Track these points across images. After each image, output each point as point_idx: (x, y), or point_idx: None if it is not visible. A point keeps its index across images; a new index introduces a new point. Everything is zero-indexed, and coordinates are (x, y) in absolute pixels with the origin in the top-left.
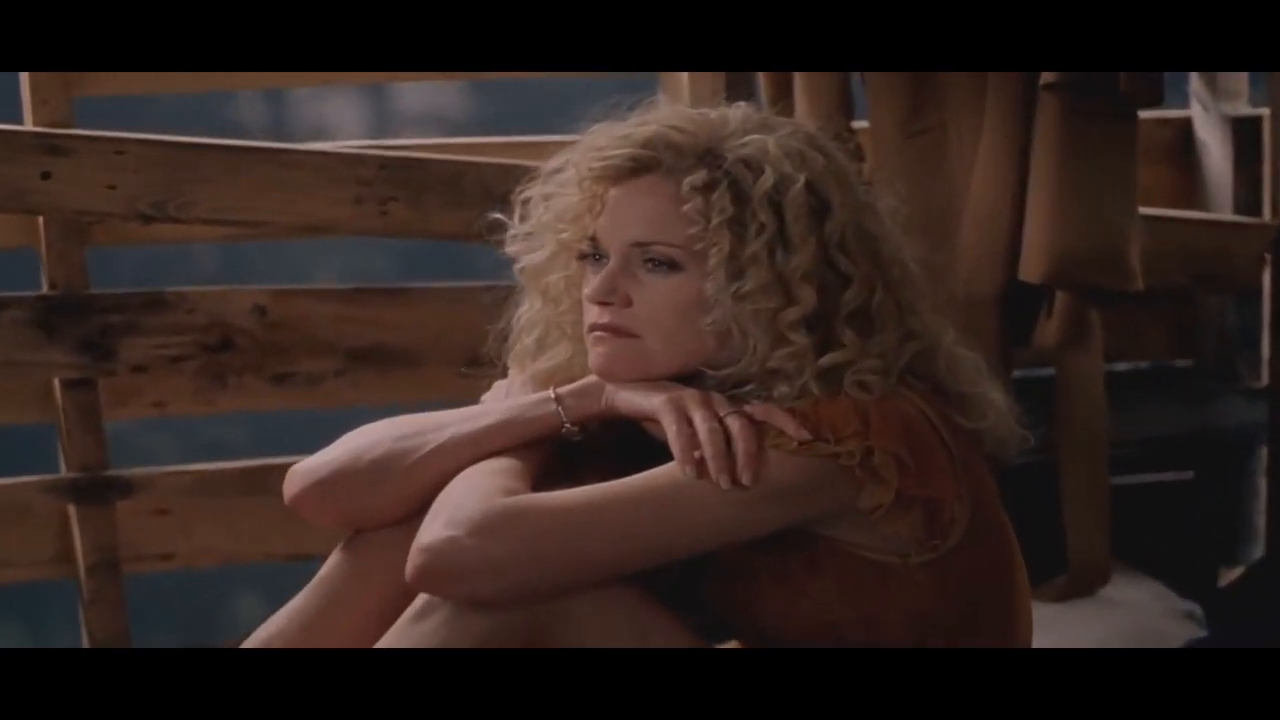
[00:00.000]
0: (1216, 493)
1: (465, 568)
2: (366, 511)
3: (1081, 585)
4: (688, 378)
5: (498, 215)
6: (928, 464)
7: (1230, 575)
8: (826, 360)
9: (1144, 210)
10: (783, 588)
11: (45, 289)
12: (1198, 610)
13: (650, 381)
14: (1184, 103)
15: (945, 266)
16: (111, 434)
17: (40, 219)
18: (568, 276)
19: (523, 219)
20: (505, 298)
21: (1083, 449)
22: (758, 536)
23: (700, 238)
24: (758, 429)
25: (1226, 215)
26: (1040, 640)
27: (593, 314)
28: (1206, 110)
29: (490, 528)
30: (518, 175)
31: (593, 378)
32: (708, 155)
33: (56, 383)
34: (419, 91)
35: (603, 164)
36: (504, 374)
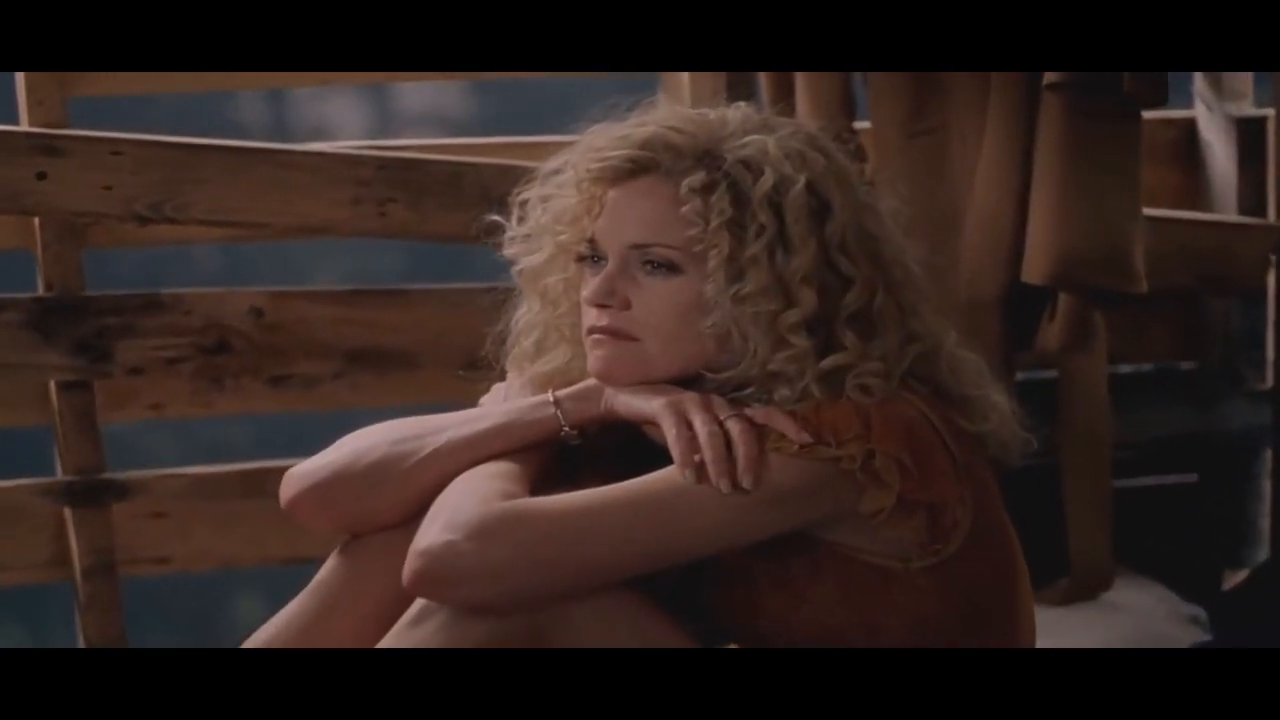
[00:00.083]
0: (1221, 496)
1: (463, 572)
2: (364, 515)
3: (1084, 589)
4: (687, 381)
5: (495, 217)
6: (930, 467)
7: (1235, 579)
8: (827, 363)
9: (1148, 211)
10: (783, 592)
11: (41, 291)
12: (1202, 614)
13: (650, 385)
14: (1188, 103)
15: (947, 268)
16: (111, 435)
17: (36, 220)
18: (566, 279)
19: (521, 221)
20: (504, 300)
21: (1085, 451)
22: (758, 541)
23: (699, 239)
24: (758, 432)
25: (1231, 216)
26: (1042, 644)
27: (591, 317)
28: (1211, 110)
29: (488, 532)
30: (517, 176)
31: (592, 381)
32: (707, 156)
33: (52, 385)
34: (420, 91)
35: (601, 165)
36: (502, 377)
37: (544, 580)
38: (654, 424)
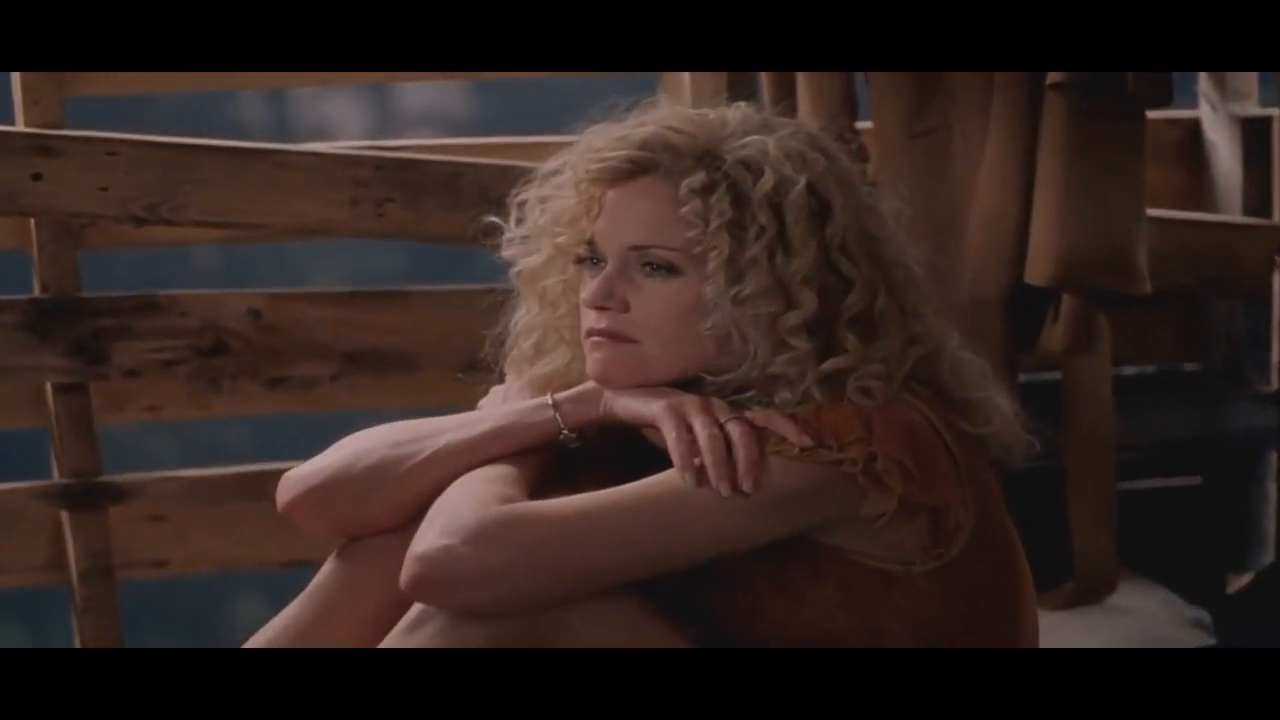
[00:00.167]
0: (1225, 498)
1: (461, 577)
2: (361, 519)
3: (1088, 592)
4: (687, 383)
5: (493, 218)
6: (932, 471)
7: (1239, 582)
8: (828, 365)
9: (1151, 212)
10: (784, 596)
11: (37, 292)
12: (1206, 617)
13: (649, 387)
14: (1192, 103)
15: (950, 269)
16: (110, 437)
17: (32, 221)
18: (565, 280)
19: (519, 222)
20: (502, 302)
21: (1089, 454)
22: (759, 545)
23: (699, 241)
24: (759, 435)
25: (1235, 217)
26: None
27: (590, 319)
28: (1215, 110)
29: (486, 536)
30: (516, 177)
31: (591, 383)
32: (706, 157)
33: (48, 387)
34: (421, 91)
35: (599, 166)
36: (501, 379)
37: (542, 584)
38: (653, 427)
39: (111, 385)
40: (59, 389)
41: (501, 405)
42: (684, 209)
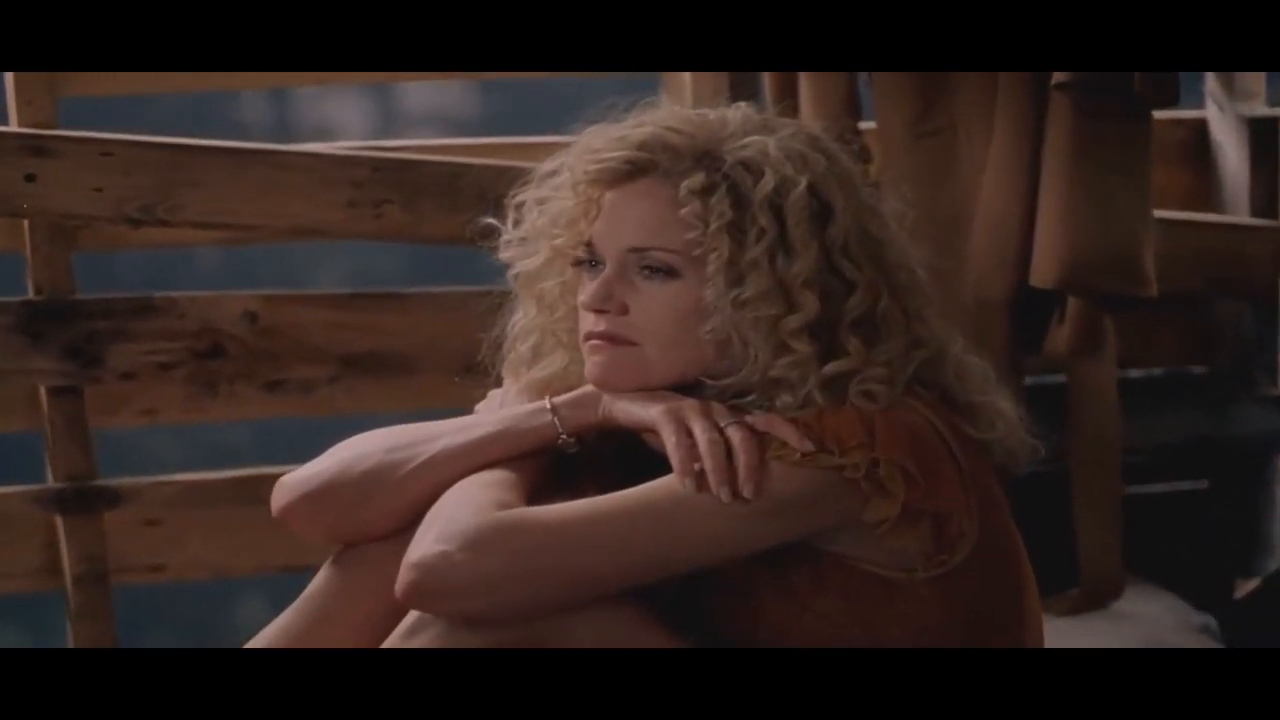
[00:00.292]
0: (1232, 502)
1: (457, 584)
2: (356, 525)
3: (1093, 598)
4: (687, 387)
5: (491, 220)
6: (935, 476)
7: (1246, 587)
8: (830, 369)
9: (1158, 213)
10: (785, 603)
11: (30, 294)
12: (1213, 623)
13: (648, 391)
14: (1199, 103)
15: (954, 271)
16: (110, 438)
17: (25, 222)
18: (563, 283)
19: (516, 224)
20: (499, 304)
21: (1095, 457)
22: (759, 551)
23: (699, 243)
24: (759, 440)
25: (1242, 218)
26: None
27: (589, 322)
28: (1222, 110)
29: (483, 542)
30: (516, 177)
31: (589, 387)
32: (706, 157)
33: (42, 390)
34: (423, 91)
35: (598, 167)
36: (498, 383)
37: (540, 591)
38: (653, 431)
39: (107, 388)
40: (53, 392)
41: (499, 409)
42: (683, 210)
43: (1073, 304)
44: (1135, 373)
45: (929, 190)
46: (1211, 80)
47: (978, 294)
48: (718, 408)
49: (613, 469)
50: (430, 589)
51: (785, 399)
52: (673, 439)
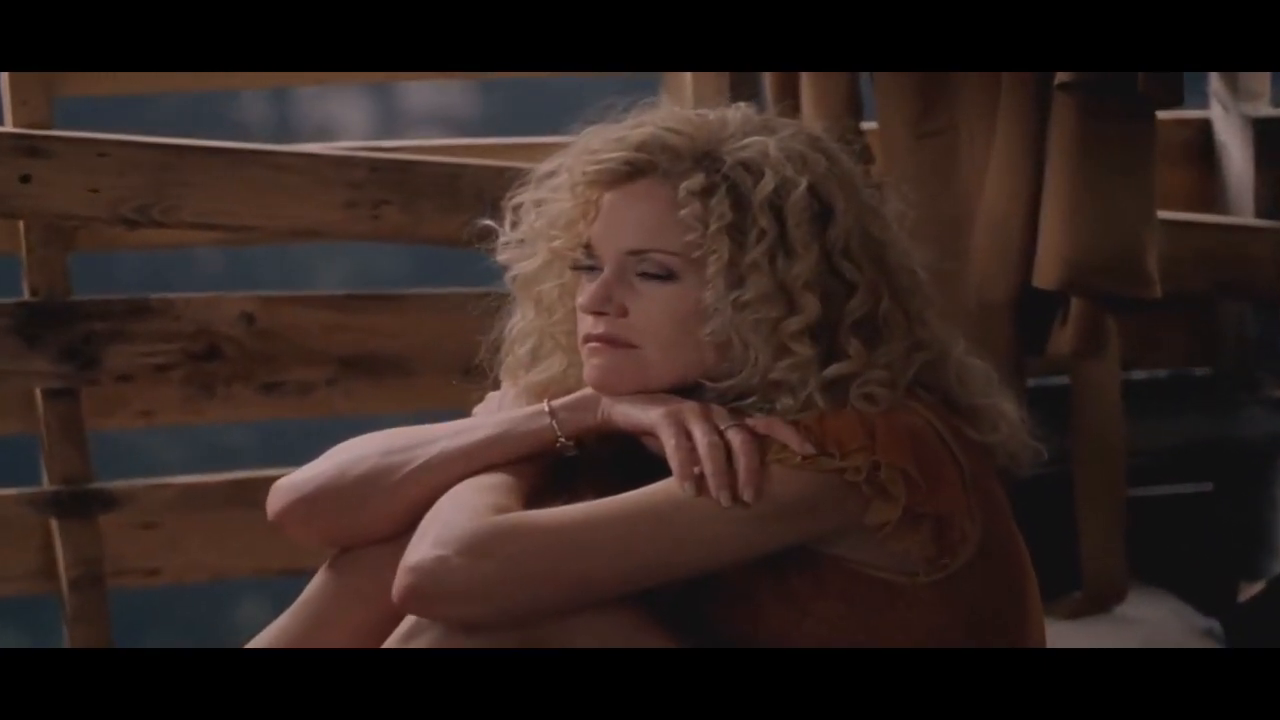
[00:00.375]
0: (1237, 504)
1: (454, 588)
2: (352, 529)
3: (1096, 602)
4: (687, 390)
5: (488, 221)
6: (937, 479)
7: (1251, 590)
8: (831, 371)
9: (1162, 214)
10: (786, 608)
11: (26, 295)
12: (1217, 627)
13: (648, 394)
14: (1204, 103)
15: (956, 272)
16: (109, 438)
17: (21, 223)
18: (561, 285)
19: (514, 225)
20: (498, 307)
21: (1098, 460)
22: (760, 555)
23: (698, 245)
24: (760, 443)
25: (1247, 219)
26: None
27: (587, 324)
28: (1227, 111)
29: (480, 547)
30: (515, 178)
31: (588, 390)
32: (706, 158)
33: (38, 392)
34: (425, 91)
35: (596, 168)
36: (497, 386)
37: (538, 596)
38: (652, 435)
39: (103, 390)
40: (49, 394)
41: (497, 413)
42: (682, 212)
43: (1076, 305)
44: (1139, 374)
45: (931, 191)
46: (1216, 80)
47: (980, 295)
48: (718, 410)
49: (612, 472)
50: (427, 593)
51: (786, 402)
52: (672, 442)
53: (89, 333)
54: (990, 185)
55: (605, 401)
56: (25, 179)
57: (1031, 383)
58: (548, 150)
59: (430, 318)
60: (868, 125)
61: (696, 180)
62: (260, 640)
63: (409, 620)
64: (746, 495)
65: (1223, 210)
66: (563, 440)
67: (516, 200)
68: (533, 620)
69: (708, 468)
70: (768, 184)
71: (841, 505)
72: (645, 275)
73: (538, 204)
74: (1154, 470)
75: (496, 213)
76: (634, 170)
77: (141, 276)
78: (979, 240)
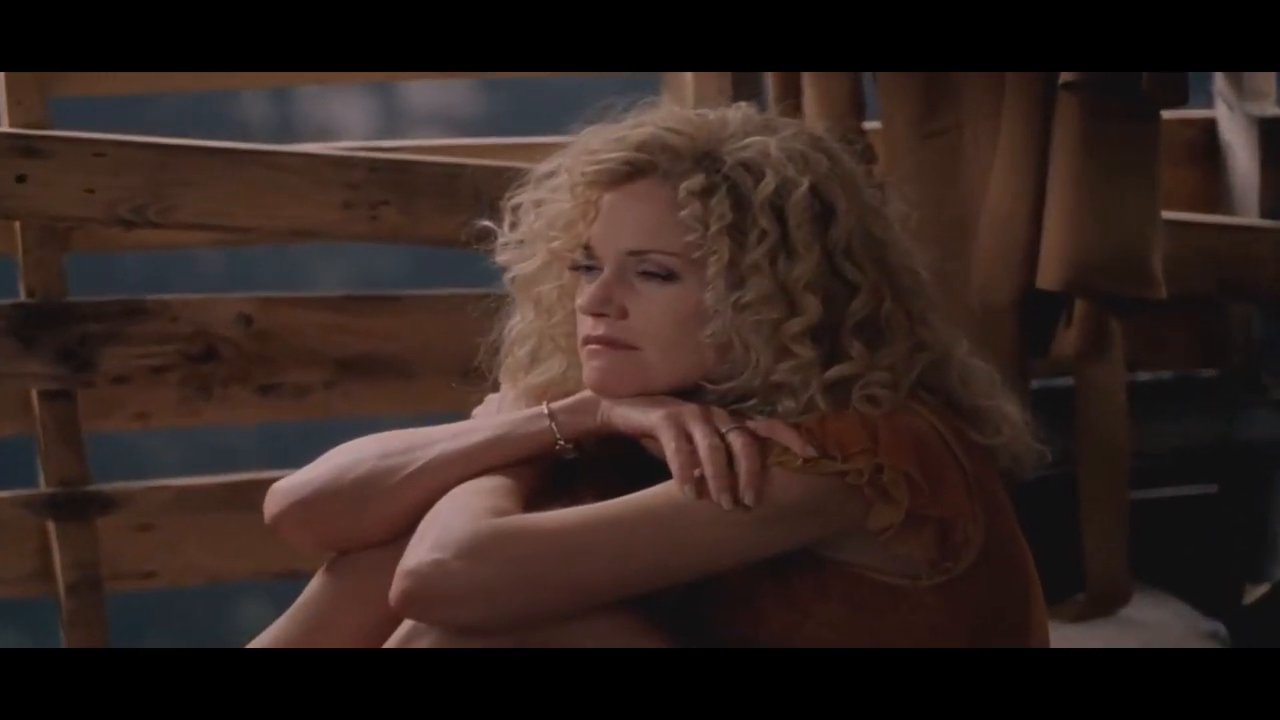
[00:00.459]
0: (1242, 507)
1: (452, 592)
2: (350, 532)
3: (1100, 605)
4: (687, 392)
5: (487, 222)
6: (939, 482)
7: (1256, 593)
8: (833, 373)
9: (1166, 214)
10: (787, 611)
11: (22, 297)
12: (1222, 630)
13: (648, 396)
14: (1208, 102)
15: (960, 273)
16: (108, 439)
17: (16, 224)
18: (561, 286)
19: (513, 226)
20: (497, 308)
21: (1103, 462)
22: (761, 559)
23: (698, 245)
24: (761, 446)
25: (1252, 219)
26: None
27: (587, 326)
28: (1232, 110)
29: (479, 550)
30: (514, 178)
31: (588, 393)
32: (706, 158)
33: (34, 394)
34: (428, 90)
35: (595, 168)
36: (496, 388)
37: (537, 600)
38: (652, 437)
39: (99, 392)
40: (45, 396)
41: (496, 415)
42: (683, 212)
43: (1080, 306)
44: (1143, 376)
45: (934, 191)
46: (1220, 80)
47: (983, 296)
48: (718, 413)
49: (611, 475)
50: (425, 597)
51: (787, 404)
52: (672, 445)
53: (85, 334)
54: (994, 186)
55: (605, 404)
56: (21, 179)
57: (1035, 384)
58: (547, 150)
59: (429, 319)
60: (870, 125)
61: (697, 180)
62: (259, 643)
63: (406, 624)
64: (747, 498)
65: (1228, 210)
66: (562, 443)
67: (515, 201)
68: (532, 624)
69: (708, 470)
70: (769, 184)
71: (843, 508)
72: (645, 276)
73: (537, 204)
74: (1158, 472)
75: (495, 213)
76: (634, 170)
77: (138, 278)
78: (982, 241)
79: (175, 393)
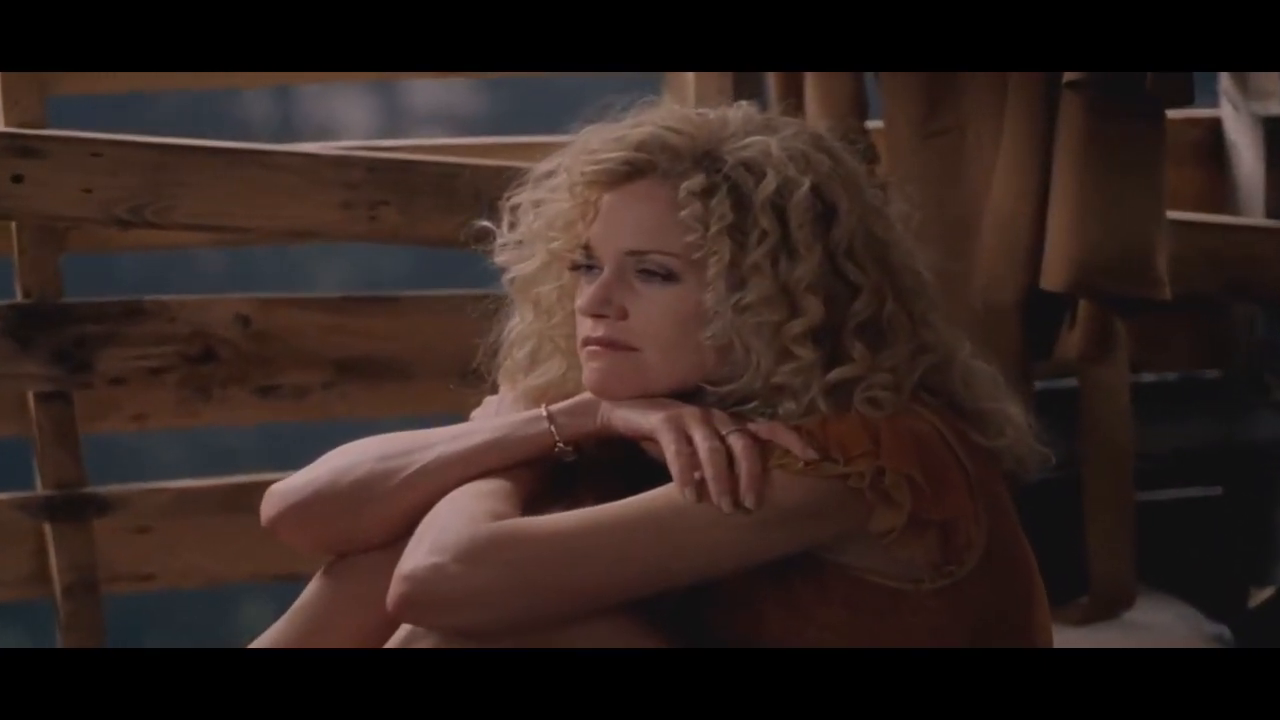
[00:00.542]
0: (1247, 509)
1: (450, 596)
2: (348, 535)
3: (1104, 608)
4: (687, 394)
5: (486, 222)
6: (942, 485)
7: (1260, 595)
8: (834, 375)
9: (1171, 214)
10: (789, 615)
11: (19, 297)
12: (1226, 633)
13: (648, 398)
14: (1213, 102)
15: (962, 274)
16: (108, 439)
17: (13, 224)
18: (560, 287)
19: (512, 226)
20: (496, 309)
21: (1107, 464)
22: (762, 562)
23: (699, 246)
24: (762, 448)
25: (1258, 219)
26: None
27: (586, 327)
28: (1237, 110)
29: (477, 554)
30: (514, 178)
31: (587, 394)
32: (706, 158)
33: (30, 396)
34: (429, 89)
35: (595, 168)
36: (495, 389)
37: (536, 604)
38: (652, 440)
39: (96, 393)
40: (41, 397)
41: (494, 417)
42: (683, 213)
43: (1084, 307)
44: (1148, 377)
45: (937, 191)
46: (1226, 79)
47: (986, 297)
48: (719, 415)
49: (611, 478)
50: (422, 601)
51: (788, 406)
52: (672, 447)
53: (82, 335)
54: (997, 186)
55: (605, 406)
56: (17, 179)
57: (1039, 386)
58: (547, 150)
59: (428, 320)
60: (873, 124)
61: (697, 180)
62: (257, 646)
63: (404, 628)
64: (748, 501)
65: (1233, 211)
66: (561, 445)
67: (514, 201)
68: (531, 628)
69: (709, 473)
70: (770, 184)
71: (845, 511)
72: (645, 277)
73: (536, 204)
74: (1163, 474)
75: (494, 213)
76: (633, 170)
77: (135, 278)
78: (985, 241)
79: (173, 394)
